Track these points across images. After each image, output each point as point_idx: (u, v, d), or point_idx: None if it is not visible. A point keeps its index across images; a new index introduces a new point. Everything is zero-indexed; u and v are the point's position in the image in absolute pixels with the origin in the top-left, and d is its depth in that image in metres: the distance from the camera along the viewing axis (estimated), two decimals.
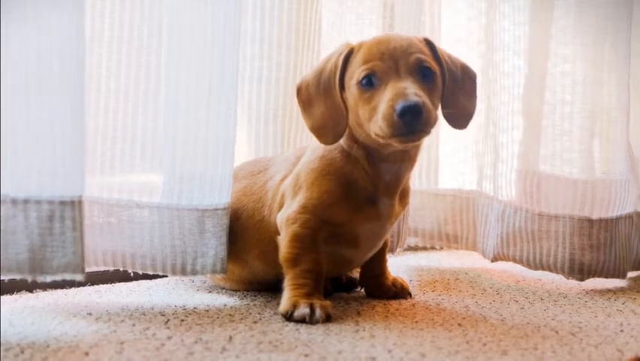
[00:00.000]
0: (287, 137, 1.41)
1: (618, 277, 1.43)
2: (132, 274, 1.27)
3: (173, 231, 1.16)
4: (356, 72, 1.07)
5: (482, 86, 1.55)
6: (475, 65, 1.57)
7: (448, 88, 1.12)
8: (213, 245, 1.16)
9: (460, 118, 1.15)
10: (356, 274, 1.32)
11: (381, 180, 1.12)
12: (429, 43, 1.12)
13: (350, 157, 1.13)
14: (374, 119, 1.04)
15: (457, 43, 1.64)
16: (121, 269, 1.17)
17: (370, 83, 1.06)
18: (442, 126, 1.62)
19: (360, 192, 1.12)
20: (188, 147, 1.16)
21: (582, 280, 1.41)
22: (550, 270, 1.43)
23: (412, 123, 1.00)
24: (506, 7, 1.48)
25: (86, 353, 0.88)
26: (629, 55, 1.45)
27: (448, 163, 1.67)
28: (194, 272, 1.17)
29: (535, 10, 1.46)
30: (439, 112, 1.11)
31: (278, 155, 1.35)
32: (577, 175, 1.45)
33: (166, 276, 1.31)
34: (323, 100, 1.11)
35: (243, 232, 1.19)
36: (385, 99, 1.02)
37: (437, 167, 1.64)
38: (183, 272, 1.16)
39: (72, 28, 1.00)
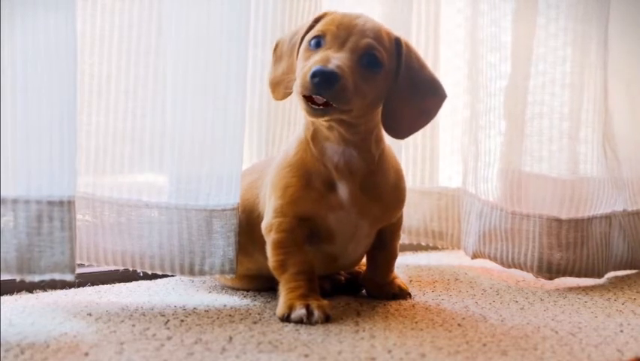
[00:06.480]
0: (272, 135, 1.41)
1: (592, 276, 1.44)
2: (133, 275, 1.27)
3: (181, 231, 1.16)
4: (312, 32, 1.09)
5: (469, 91, 1.56)
6: (462, 68, 1.58)
7: (399, 92, 1.10)
8: (221, 245, 1.16)
9: (398, 127, 1.12)
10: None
11: (330, 161, 1.12)
12: (397, 43, 1.11)
13: (302, 143, 1.13)
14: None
15: (457, 44, 1.64)
16: (130, 269, 1.18)
17: (317, 45, 1.07)
18: (440, 128, 1.65)
19: (316, 179, 1.12)
20: (196, 147, 1.16)
21: (551, 279, 1.42)
22: (521, 268, 1.44)
23: (320, 89, 1.00)
24: (492, 10, 1.48)
25: (86, 354, 0.88)
26: (606, 58, 1.47)
27: (447, 164, 1.68)
28: (202, 273, 1.17)
29: (520, 16, 1.47)
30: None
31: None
32: (553, 175, 1.46)
33: (168, 276, 1.31)
34: (288, 57, 1.13)
35: (247, 225, 1.20)
36: (312, 61, 1.03)
37: (424, 166, 1.64)
38: (191, 272, 1.17)
39: (62, 29, 1.00)
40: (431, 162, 1.65)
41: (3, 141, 0.98)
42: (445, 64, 1.64)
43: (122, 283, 1.30)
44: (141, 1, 1.18)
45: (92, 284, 1.28)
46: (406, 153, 1.60)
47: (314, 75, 1.00)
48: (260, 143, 1.41)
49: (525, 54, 1.47)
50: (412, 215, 1.63)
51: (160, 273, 1.19)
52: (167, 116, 1.18)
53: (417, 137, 1.61)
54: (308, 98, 1.03)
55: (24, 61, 0.98)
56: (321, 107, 1.02)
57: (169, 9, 1.17)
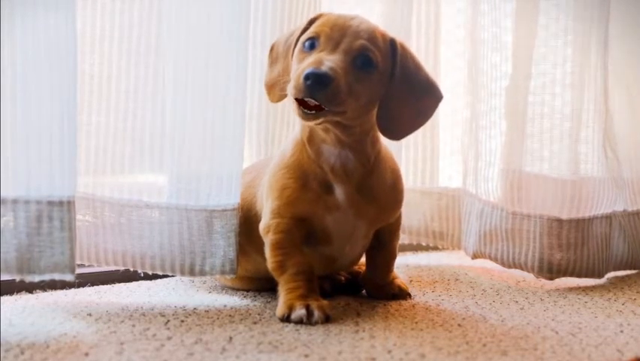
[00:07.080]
0: (272, 135, 1.41)
1: (593, 277, 1.45)
2: (133, 275, 1.27)
3: (181, 231, 1.16)
4: (306, 34, 1.09)
5: (469, 91, 1.55)
6: (463, 69, 1.58)
7: (394, 93, 1.09)
8: (222, 246, 1.17)
9: (393, 128, 1.12)
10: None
11: (326, 163, 1.11)
12: (392, 44, 1.10)
13: (299, 144, 1.13)
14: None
15: (457, 44, 1.64)
16: (131, 269, 1.18)
17: (312, 47, 1.07)
18: (440, 128, 1.65)
19: (313, 180, 1.11)
20: (195, 147, 1.16)
21: (551, 279, 1.43)
22: (522, 268, 1.45)
23: (313, 91, 1.00)
24: (492, 10, 1.48)
25: (86, 354, 0.88)
26: (606, 58, 1.47)
27: (447, 164, 1.68)
28: (202, 273, 1.18)
29: (521, 16, 1.47)
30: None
31: None
32: (553, 175, 1.46)
33: (168, 276, 1.31)
34: (283, 59, 1.13)
35: (245, 223, 1.20)
36: (305, 63, 1.03)
37: (424, 166, 1.64)
38: (192, 273, 1.17)
39: (62, 29, 1.00)
40: (431, 162, 1.64)
41: (3, 141, 0.98)
42: (445, 64, 1.64)
43: (122, 284, 1.30)
44: (141, 1, 1.18)
45: (92, 284, 1.28)
46: (406, 153, 1.60)
47: (307, 77, 0.99)
48: (260, 142, 1.41)
49: (526, 54, 1.47)
50: (413, 215, 1.63)
51: (160, 273, 1.19)
52: (167, 116, 1.18)
53: (417, 137, 1.61)
54: (301, 102, 1.02)
55: (24, 61, 0.98)
56: (314, 110, 1.02)
57: (169, 9, 1.17)
